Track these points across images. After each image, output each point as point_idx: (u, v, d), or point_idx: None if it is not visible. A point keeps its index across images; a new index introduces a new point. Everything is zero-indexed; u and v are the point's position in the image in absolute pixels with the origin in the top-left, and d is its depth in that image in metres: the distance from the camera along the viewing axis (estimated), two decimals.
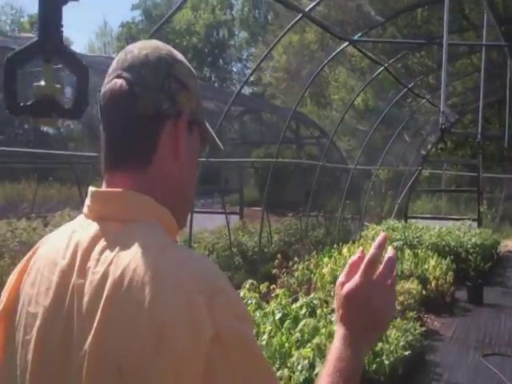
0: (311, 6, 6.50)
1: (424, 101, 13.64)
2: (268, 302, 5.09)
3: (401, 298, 6.68)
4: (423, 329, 6.21)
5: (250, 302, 4.72)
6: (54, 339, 0.97)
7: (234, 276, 8.62)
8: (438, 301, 8.13)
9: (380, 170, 15.49)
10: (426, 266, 8.60)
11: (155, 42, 1.11)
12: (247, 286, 4.92)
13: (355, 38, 8.41)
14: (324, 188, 15.84)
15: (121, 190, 1.03)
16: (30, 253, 1.12)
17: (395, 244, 9.96)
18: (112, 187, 1.05)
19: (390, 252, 1.19)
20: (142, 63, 1.05)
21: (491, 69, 12.77)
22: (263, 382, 0.92)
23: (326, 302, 6.11)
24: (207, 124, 1.17)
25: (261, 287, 6.05)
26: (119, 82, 1.05)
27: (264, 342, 3.77)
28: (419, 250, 9.28)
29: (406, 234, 11.01)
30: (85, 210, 1.06)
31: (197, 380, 0.85)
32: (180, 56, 1.12)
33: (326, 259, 8.17)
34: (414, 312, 6.47)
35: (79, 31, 79.09)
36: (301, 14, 6.37)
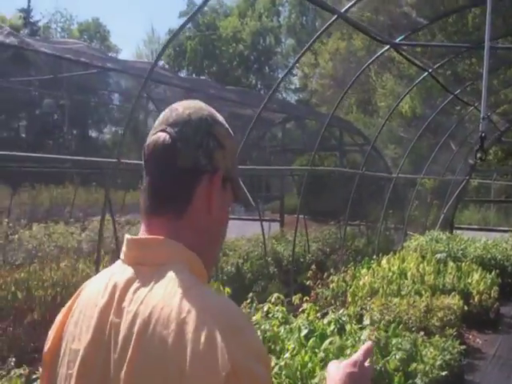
0: (347, 7, 6.23)
1: (472, 108, 13.16)
2: (297, 316, 4.88)
3: (440, 314, 6.35)
4: (463, 347, 5.87)
5: (275, 315, 4.52)
6: (94, 373, 1.07)
7: (267, 286, 8.42)
8: (481, 316, 7.76)
9: (425, 178, 15.06)
10: (470, 280, 8.22)
11: (198, 103, 1.22)
12: (272, 299, 4.71)
13: (397, 40, 8.11)
14: (366, 196, 15.52)
15: (155, 237, 1.13)
16: (74, 296, 1.23)
17: (438, 256, 9.59)
18: (148, 233, 1.16)
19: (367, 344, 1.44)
20: (185, 121, 1.16)
21: None
22: None
23: (361, 316, 5.87)
24: (241, 182, 1.26)
25: (293, 299, 5.87)
26: (163, 135, 1.16)
27: (284, 362, 3.55)
28: (463, 263, 8.90)
29: (450, 245, 10.59)
30: (122, 255, 1.17)
31: None
32: (220, 118, 1.21)
33: (363, 270, 7.90)
34: (454, 329, 6.14)
35: (128, 39, 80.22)
36: (336, 16, 6.16)
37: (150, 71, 5.26)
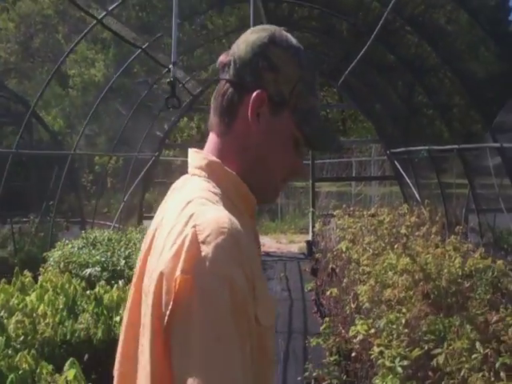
0: None
1: (165, 71, 10.20)
2: None
3: None
4: None
5: None
6: (141, 274, 1.15)
7: None
8: None
9: (104, 156, 12.07)
10: None
11: (269, 26, 1.24)
12: None
13: None
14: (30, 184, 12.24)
15: (197, 150, 1.23)
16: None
17: (88, 271, 6.53)
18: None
19: None
20: (244, 40, 1.22)
21: None
22: (213, 331, 0.94)
23: None
24: (317, 120, 1.22)
25: None
26: (224, 55, 1.24)
27: None
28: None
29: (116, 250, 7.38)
30: None
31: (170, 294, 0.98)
32: (286, 42, 1.20)
33: None
34: None
35: None
36: None
37: None
